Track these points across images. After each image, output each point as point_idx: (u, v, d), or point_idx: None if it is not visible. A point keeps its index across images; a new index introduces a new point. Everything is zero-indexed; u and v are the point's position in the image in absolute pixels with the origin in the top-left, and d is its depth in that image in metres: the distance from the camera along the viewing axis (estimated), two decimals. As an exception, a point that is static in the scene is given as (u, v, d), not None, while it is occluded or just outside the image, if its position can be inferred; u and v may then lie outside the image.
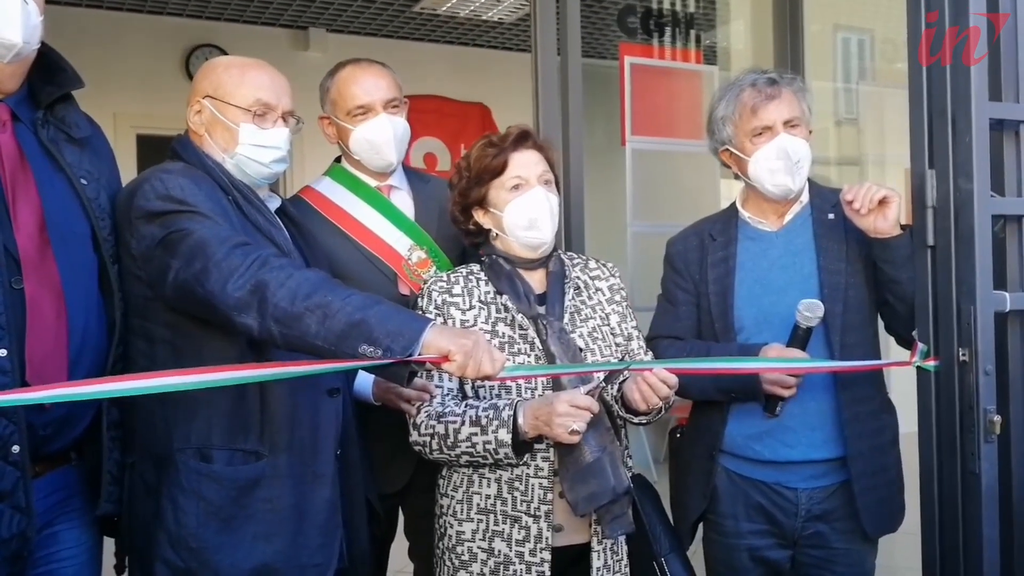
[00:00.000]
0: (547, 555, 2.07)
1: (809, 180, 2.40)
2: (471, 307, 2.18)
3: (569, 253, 2.41)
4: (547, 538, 2.07)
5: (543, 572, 2.06)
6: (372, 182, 2.60)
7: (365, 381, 2.29)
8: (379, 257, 2.51)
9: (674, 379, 2.02)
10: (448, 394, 2.16)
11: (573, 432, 1.94)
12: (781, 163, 2.28)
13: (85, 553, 1.96)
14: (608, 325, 2.25)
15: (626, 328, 2.28)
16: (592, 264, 2.34)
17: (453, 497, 2.17)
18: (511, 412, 2.01)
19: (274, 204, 2.15)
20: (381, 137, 2.51)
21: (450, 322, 2.16)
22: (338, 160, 2.68)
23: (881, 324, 2.38)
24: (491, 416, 2.03)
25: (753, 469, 2.33)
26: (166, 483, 1.91)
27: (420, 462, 2.27)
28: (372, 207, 2.56)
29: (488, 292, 2.20)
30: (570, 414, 1.94)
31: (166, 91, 5.61)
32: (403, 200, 2.62)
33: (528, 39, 7.14)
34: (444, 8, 6.27)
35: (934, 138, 2.01)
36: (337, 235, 2.51)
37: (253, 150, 2.06)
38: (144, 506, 1.94)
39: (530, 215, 2.15)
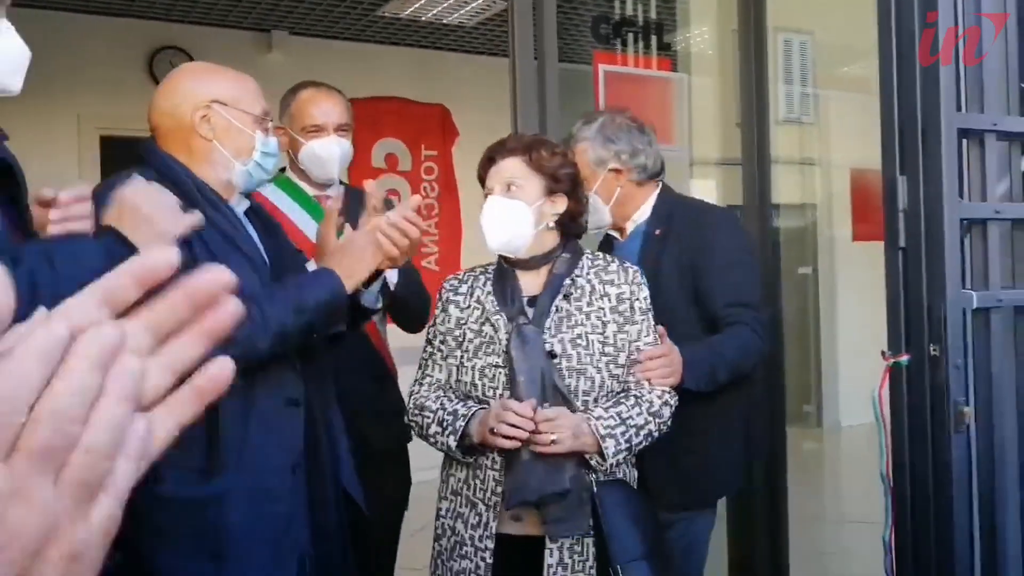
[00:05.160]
0: (491, 543, 2.16)
1: (668, 192, 2.76)
2: (468, 305, 2.30)
3: (597, 254, 2.40)
4: (492, 527, 2.16)
5: (485, 558, 2.16)
6: (311, 191, 2.82)
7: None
8: (311, 260, 2.63)
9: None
10: (434, 384, 2.29)
11: (508, 438, 2.04)
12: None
13: None
14: (601, 334, 2.24)
15: (622, 340, 2.26)
16: (612, 268, 2.31)
17: (441, 475, 2.32)
18: (463, 423, 2.16)
19: (244, 206, 2.15)
20: (328, 154, 2.76)
21: (449, 318, 2.31)
22: (282, 170, 2.85)
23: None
24: (450, 421, 2.18)
25: None
26: None
27: None
28: (309, 214, 2.78)
29: (488, 292, 2.28)
30: (504, 420, 2.05)
31: (130, 93, 5.56)
32: None
33: (488, 42, 7.16)
34: (407, 12, 6.30)
35: (905, 147, 2.10)
36: None
37: (264, 158, 2.11)
38: None
39: (483, 223, 2.26)
